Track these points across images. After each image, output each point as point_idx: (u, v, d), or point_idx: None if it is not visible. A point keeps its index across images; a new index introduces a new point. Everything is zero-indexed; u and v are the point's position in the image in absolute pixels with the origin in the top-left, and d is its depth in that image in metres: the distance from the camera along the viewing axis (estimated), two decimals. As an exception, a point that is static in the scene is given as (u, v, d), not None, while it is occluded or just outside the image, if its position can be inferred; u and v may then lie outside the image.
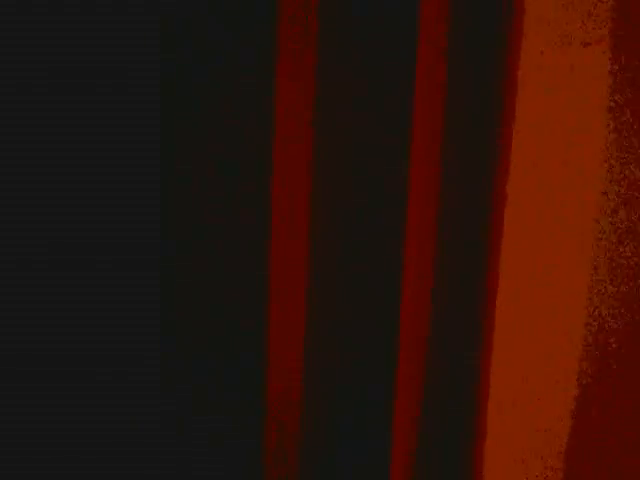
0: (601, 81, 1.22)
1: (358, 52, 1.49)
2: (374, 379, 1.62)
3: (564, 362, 1.31)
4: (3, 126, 1.30)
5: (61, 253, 1.35)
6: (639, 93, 1.20)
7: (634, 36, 1.19)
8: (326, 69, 1.44)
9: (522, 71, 1.18)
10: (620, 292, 1.27)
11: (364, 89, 1.52)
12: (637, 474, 1.30)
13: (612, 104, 1.22)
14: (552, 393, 1.32)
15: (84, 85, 1.33)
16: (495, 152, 1.23)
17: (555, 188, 1.24)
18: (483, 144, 1.24)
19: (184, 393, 1.88)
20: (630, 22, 1.19)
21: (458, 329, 1.30)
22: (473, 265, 1.28)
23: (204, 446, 1.74)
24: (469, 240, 1.28)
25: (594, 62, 1.21)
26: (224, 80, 1.87)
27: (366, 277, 1.60)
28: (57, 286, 1.35)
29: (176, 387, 1.88)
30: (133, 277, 1.41)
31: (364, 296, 1.60)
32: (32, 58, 1.29)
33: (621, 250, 1.26)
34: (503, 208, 1.22)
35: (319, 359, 1.56)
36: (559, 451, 1.34)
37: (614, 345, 1.28)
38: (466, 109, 1.24)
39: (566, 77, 1.21)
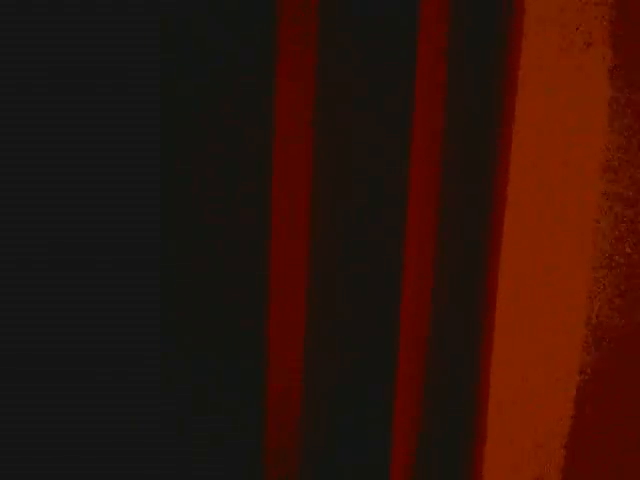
0: (601, 81, 1.22)
1: (358, 52, 1.49)
2: (374, 379, 1.62)
3: (564, 362, 1.31)
4: (3, 126, 1.30)
5: (61, 253, 1.35)
6: (639, 93, 1.21)
7: (634, 36, 1.19)
8: (326, 69, 1.44)
9: (522, 71, 1.18)
10: (620, 292, 1.27)
11: (364, 89, 1.52)
12: (637, 473, 1.30)
13: (612, 104, 1.22)
14: (552, 393, 1.32)
15: (84, 85, 1.33)
16: (495, 152, 1.23)
17: (555, 188, 1.24)
18: (483, 144, 1.24)
19: (184, 393, 1.88)
20: (630, 22, 1.19)
21: (458, 329, 1.30)
22: (473, 265, 1.28)
23: (204, 446, 1.74)
24: (469, 240, 1.28)
25: (594, 62, 1.21)
26: (224, 80, 1.87)
27: (366, 277, 1.60)
28: (57, 286, 1.35)
29: (176, 387, 1.89)
30: (133, 277, 1.41)
31: (364, 296, 1.60)
32: (32, 58, 1.29)
33: (621, 250, 1.26)
34: (503, 208, 1.22)
35: (319, 359, 1.56)
36: (559, 451, 1.34)
37: (614, 345, 1.28)
38: (466, 109, 1.25)
39: (566, 77, 1.21)
